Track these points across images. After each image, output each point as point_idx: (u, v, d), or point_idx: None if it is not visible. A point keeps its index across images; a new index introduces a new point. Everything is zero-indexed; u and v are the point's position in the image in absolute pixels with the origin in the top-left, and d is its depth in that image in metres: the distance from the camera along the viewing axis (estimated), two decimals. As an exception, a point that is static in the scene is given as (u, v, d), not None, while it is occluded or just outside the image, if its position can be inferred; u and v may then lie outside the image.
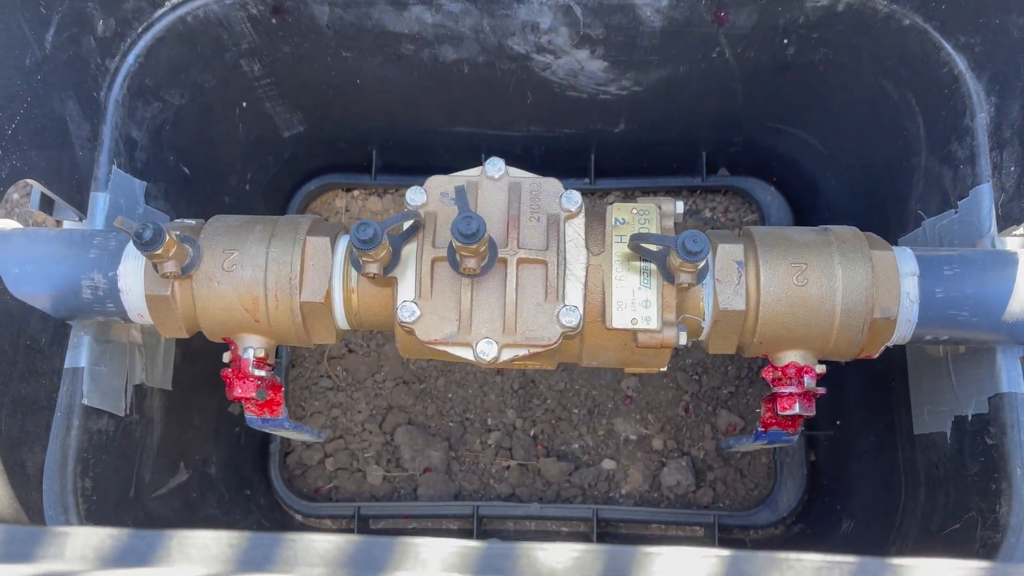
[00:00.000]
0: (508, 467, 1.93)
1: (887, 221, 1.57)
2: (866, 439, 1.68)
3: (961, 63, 1.35)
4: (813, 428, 1.88)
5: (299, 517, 1.92)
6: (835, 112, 1.67)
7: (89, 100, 1.38)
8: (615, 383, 1.98)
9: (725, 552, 0.59)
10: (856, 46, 1.49)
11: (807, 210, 1.93)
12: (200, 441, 1.69)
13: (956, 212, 1.35)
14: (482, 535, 1.89)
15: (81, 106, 1.36)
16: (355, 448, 1.96)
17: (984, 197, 1.28)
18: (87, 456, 1.30)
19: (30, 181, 1.24)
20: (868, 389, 1.69)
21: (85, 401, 1.29)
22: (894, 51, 1.45)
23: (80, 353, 1.30)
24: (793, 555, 0.58)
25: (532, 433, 1.96)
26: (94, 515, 1.30)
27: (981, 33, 1.33)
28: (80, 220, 1.35)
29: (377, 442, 1.96)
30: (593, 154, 1.94)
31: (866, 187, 1.68)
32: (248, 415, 1.27)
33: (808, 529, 1.81)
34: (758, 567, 0.58)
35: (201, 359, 1.65)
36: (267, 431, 1.33)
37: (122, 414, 1.38)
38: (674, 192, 2.03)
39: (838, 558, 0.58)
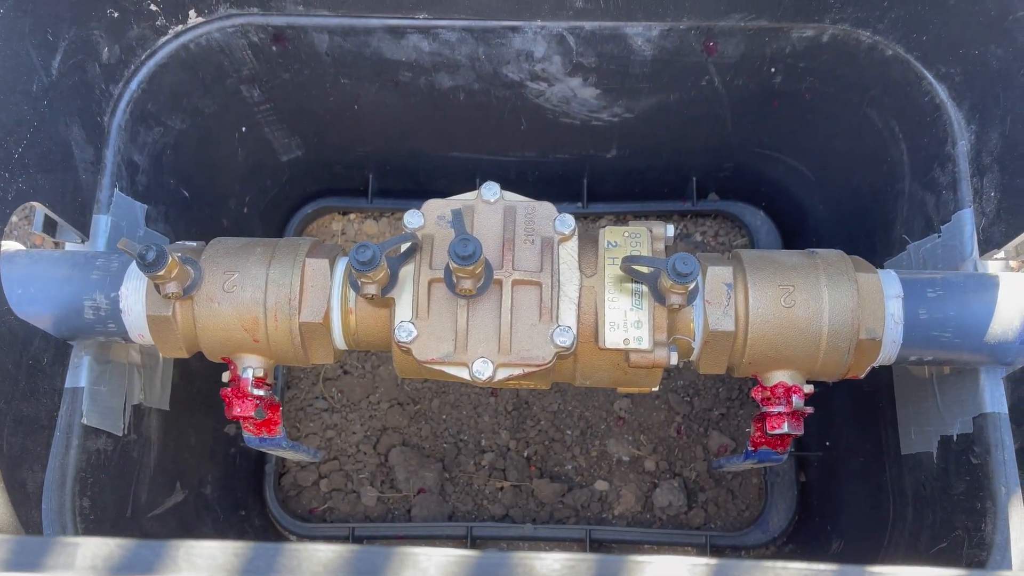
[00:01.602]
0: (502, 488, 1.95)
1: (873, 245, 1.60)
2: (855, 460, 1.70)
3: (942, 92, 1.40)
4: (803, 449, 1.90)
5: (293, 538, 1.93)
6: (822, 139, 1.71)
7: (93, 125, 1.41)
8: (608, 404, 2.00)
9: (713, 561, 0.62)
10: (841, 75, 1.54)
11: (796, 234, 1.97)
12: (196, 461, 1.70)
13: (939, 236, 1.38)
14: (476, 556, 1.90)
15: (85, 131, 1.39)
16: (349, 469, 1.97)
17: (966, 222, 1.32)
18: (85, 475, 1.31)
19: (34, 203, 1.27)
20: (856, 410, 1.72)
21: (84, 421, 1.30)
22: (877, 80, 1.49)
23: (80, 373, 1.32)
24: (779, 563, 0.61)
25: (525, 454, 1.98)
26: (91, 534, 1.31)
27: (961, 63, 1.37)
28: (82, 242, 1.37)
29: (371, 463, 1.97)
30: (586, 179, 1.97)
31: (853, 212, 1.72)
32: (246, 434, 1.29)
33: (799, 549, 1.83)
34: (745, 575, 0.60)
35: (198, 380, 1.67)
36: (265, 451, 1.35)
37: (120, 434, 1.40)
38: (665, 216, 2.07)
39: (821, 566, 0.60)
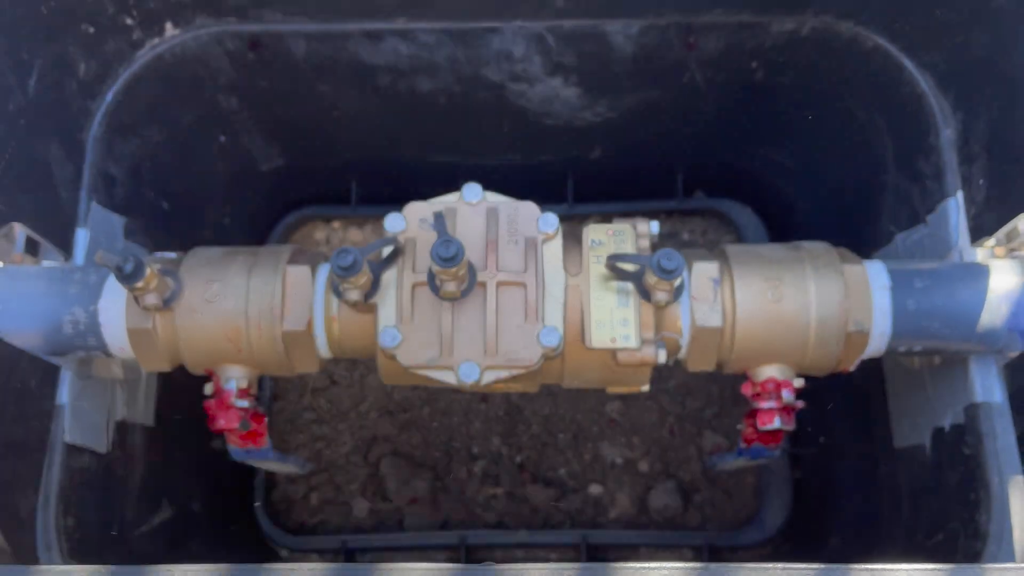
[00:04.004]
0: (495, 495, 1.93)
1: (860, 238, 1.59)
2: (849, 455, 1.69)
3: (924, 82, 1.39)
4: (797, 446, 1.89)
5: (285, 552, 1.90)
6: (805, 133, 1.71)
7: (72, 142, 1.40)
8: (600, 407, 1.99)
9: (697, 565, 0.61)
10: (822, 68, 1.53)
11: (783, 230, 1.96)
12: (183, 477, 1.68)
13: (926, 227, 1.37)
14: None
15: (64, 148, 1.37)
16: (340, 480, 1.95)
17: (951, 211, 1.31)
18: (69, 494, 1.29)
19: (15, 224, 1.25)
20: (849, 405, 1.71)
21: (67, 438, 1.28)
22: (859, 72, 1.49)
23: (61, 389, 1.29)
24: (754, 565, 0.60)
25: (518, 460, 1.96)
26: (77, 553, 1.29)
27: (945, 52, 1.37)
28: (65, 261, 1.35)
29: (362, 474, 1.95)
30: (571, 180, 1.96)
31: (839, 205, 1.71)
32: (231, 447, 1.27)
33: (795, 547, 1.82)
34: None
35: (183, 394, 1.64)
36: (251, 463, 1.33)
37: (104, 451, 1.38)
38: (652, 215, 2.05)
39: (801, 566, 0.60)
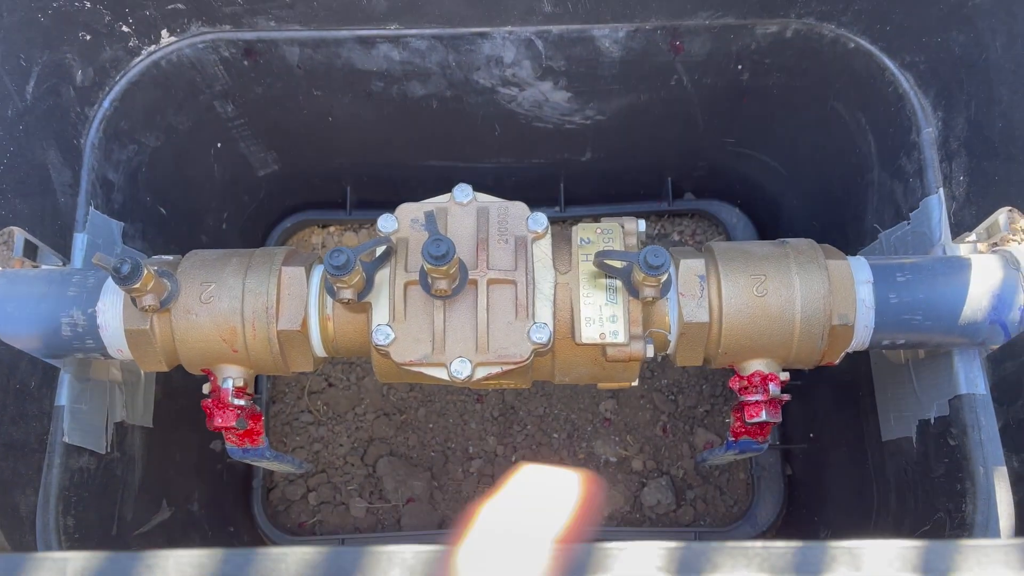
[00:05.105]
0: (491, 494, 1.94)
1: (846, 236, 1.62)
2: (838, 450, 1.71)
3: (905, 82, 1.42)
4: (788, 442, 1.91)
5: (284, 553, 1.92)
6: (792, 134, 1.73)
7: (70, 148, 1.42)
8: (593, 406, 2.01)
9: (680, 544, 0.63)
10: (806, 70, 1.56)
11: (771, 230, 1.99)
12: (182, 478, 1.69)
13: (909, 224, 1.40)
14: (467, 563, 1.90)
15: (62, 154, 1.40)
16: (337, 481, 1.97)
17: (933, 208, 1.34)
18: (69, 494, 1.31)
19: (14, 228, 1.27)
20: (837, 401, 1.73)
21: (66, 439, 1.30)
22: (842, 73, 1.52)
23: (60, 391, 1.31)
24: (734, 543, 0.62)
25: (513, 459, 1.98)
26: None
27: (925, 52, 1.39)
28: (64, 266, 1.37)
29: (359, 474, 1.97)
30: (562, 183, 1.99)
31: (825, 205, 1.74)
32: (229, 446, 1.29)
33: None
34: (703, 555, 0.62)
35: (182, 396, 1.67)
36: (249, 462, 1.35)
37: (103, 452, 1.40)
38: (642, 217, 2.08)
39: (780, 544, 0.62)
